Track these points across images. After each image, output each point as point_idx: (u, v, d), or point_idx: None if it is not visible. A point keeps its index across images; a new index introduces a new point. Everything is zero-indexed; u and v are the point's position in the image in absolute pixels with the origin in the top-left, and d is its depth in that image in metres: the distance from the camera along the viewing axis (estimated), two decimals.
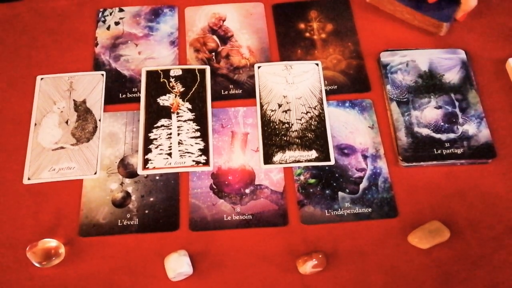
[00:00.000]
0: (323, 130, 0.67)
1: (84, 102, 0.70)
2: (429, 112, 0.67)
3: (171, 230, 0.61)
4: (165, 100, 0.69)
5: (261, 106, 0.69)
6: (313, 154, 0.65)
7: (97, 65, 0.73)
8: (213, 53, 0.74)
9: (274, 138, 0.67)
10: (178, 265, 0.57)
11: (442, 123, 0.66)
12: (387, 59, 0.71)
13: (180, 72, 0.72)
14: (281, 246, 0.60)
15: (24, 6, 0.78)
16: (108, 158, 0.66)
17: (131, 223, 0.62)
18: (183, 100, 0.69)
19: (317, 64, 0.72)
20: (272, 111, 0.69)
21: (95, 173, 0.65)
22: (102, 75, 0.72)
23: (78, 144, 0.66)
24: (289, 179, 0.64)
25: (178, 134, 0.67)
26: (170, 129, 0.67)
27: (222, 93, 0.71)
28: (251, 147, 0.66)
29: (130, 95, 0.70)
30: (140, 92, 0.70)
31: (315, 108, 0.69)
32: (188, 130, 0.67)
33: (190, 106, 0.69)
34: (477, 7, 0.76)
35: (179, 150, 0.66)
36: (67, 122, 0.68)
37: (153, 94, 0.70)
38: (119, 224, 0.62)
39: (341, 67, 0.72)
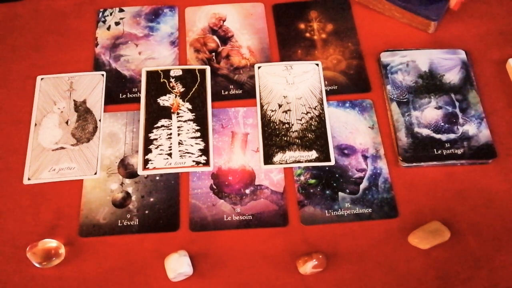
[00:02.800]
0: (323, 130, 0.67)
1: (84, 102, 0.70)
2: (429, 112, 0.67)
3: (171, 230, 0.61)
4: (165, 100, 0.69)
5: (261, 106, 0.69)
6: (313, 154, 0.65)
7: (97, 65, 0.73)
8: (213, 53, 0.74)
9: (274, 139, 0.67)
10: (178, 265, 0.57)
11: (442, 124, 0.66)
12: (387, 59, 0.71)
13: (180, 72, 0.72)
14: (281, 247, 0.60)
15: (24, 6, 0.78)
16: (108, 158, 0.66)
17: (131, 223, 0.62)
18: (183, 100, 0.69)
19: (317, 65, 0.72)
20: (272, 111, 0.69)
21: (95, 173, 0.65)
22: (102, 75, 0.72)
23: (78, 144, 0.66)
24: (289, 179, 0.64)
25: (178, 135, 0.67)
26: (170, 129, 0.67)
27: (222, 93, 0.71)
28: (251, 148, 0.66)
29: (130, 95, 0.70)
30: (140, 92, 0.70)
31: (315, 109, 0.69)
32: (188, 130, 0.67)
33: (190, 106, 0.69)
34: (477, 7, 0.77)
35: (179, 151, 0.66)
36: (67, 122, 0.68)
37: (153, 94, 0.70)
38: (119, 224, 0.62)
39: (341, 67, 0.72)
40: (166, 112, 0.68)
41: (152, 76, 0.71)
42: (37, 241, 0.59)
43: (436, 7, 0.72)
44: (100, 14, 0.78)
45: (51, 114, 0.69)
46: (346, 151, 0.66)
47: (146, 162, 0.65)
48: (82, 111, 0.69)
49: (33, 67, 0.73)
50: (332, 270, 0.58)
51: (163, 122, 0.68)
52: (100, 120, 0.68)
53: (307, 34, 0.75)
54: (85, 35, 0.76)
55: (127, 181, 0.64)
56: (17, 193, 0.64)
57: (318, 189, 0.63)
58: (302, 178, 0.64)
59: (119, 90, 0.71)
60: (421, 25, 0.74)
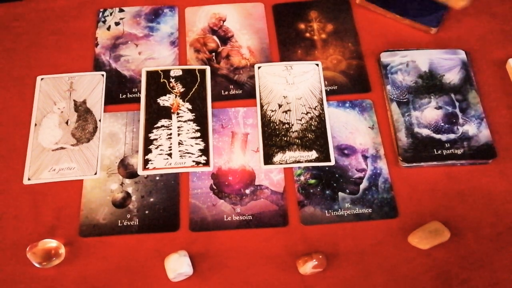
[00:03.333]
0: (323, 130, 0.67)
1: (84, 102, 0.70)
2: (429, 112, 0.67)
3: (171, 230, 0.61)
4: (165, 101, 0.69)
5: (261, 106, 0.69)
6: (313, 154, 0.65)
7: (97, 65, 0.73)
8: (213, 54, 0.74)
9: (274, 139, 0.67)
10: (178, 265, 0.57)
11: (442, 124, 0.66)
12: (387, 60, 0.71)
13: (180, 73, 0.72)
14: (281, 247, 0.60)
15: (24, 6, 0.78)
16: (108, 159, 0.66)
17: (131, 223, 0.62)
18: (183, 101, 0.69)
19: (317, 65, 0.72)
20: (272, 111, 0.69)
21: (95, 174, 0.65)
22: (102, 75, 0.72)
23: (78, 144, 0.66)
24: (289, 179, 0.64)
25: (178, 135, 0.67)
26: (170, 129, 0.67)
27: (222, 94, 0.71)
28: (251, 148, 0.66)
29: (130, 96, 0.70)
30: (140, 93, 0.70)
31: (315, 109, 0.69)
32: (188, 130, 0.67)
33: (190, 107, 0.69)
34: (478, 7, 0.76)
35: (179, 151, 0.66)
36: (67, 123, 0.68)
37: (153, 95, 0.70)
38: (119, 224, 0.62)
39: (341, 67, 0.72)
40: (166, 112, 0.68)
41: (152, 76, 0.71)
42: (37, 241, 0.59)
43: (434, 16, 0.73)
44: (100, 14, 0.78)
45: (51, 114, 0.69)
46: (346, 151, 0.66)
47: (146, 162, 0.65)
48: (82, 111, 0.69)
49: (33, 67, 0.73)
50: (332, 270, 0.58)
51: (163, 122, 0.68)
52: (100, 120, 0.68)
53: (307, 34, 0.75)
54: (85, 35, 0.76)
55: (127, 181, 0.64)
56: (17, 193, 0.64)
57: (318, 189, 0.63)
58: (302, 178, 0.64)
59: (119, 90, 0.71)
60: (423, 27, 0.74)
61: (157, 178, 0.65)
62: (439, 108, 0.67)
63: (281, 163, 0.65)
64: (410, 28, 0.75)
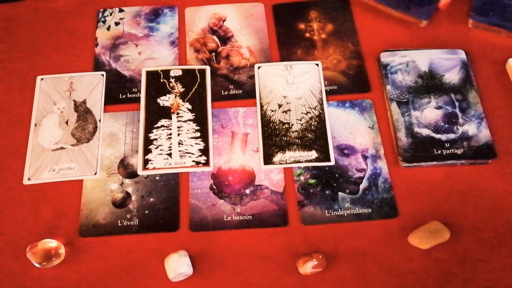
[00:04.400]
0: (323, 130, 0.67)
1: (84, 102, 0.70)
2: (429, 112, 0.67)
3: (171, 230, 0.62)
4: (165, 101, 0.69)
5: (261, 106, 0.69)
6: (313, 154, 0.65)
7: (97, 66, 0.73)
8: (213, 54, 0.74)
9: (274, 139, 0.67)
10: (178, 265, 0.57)
11: (442, 124, 0.66)
12: (387, 59, 0.71)
13: (180, 73, 0.72)
14: (281, 247, 0.60)
15: (24, 6, 0.78)
16: (108, 159, 0.66)
17: (131, 223, 0.62)
18: (183, 101, 0.69)
19: (317, 65, 0.72)
20: (272, 111, 0.69)
21: (95, 174, 0.65)
22: (102, 75, 0.72)
23: (78, 144, 0.66)
24: (289, 179, 0.64)
25: (178, 135, 0.67)
26: (170, 129, 0.67)
27: (222, 94, 0.71)
28: (251, 148, 0.66)
29: (130, 96, 0.70)
30: (140, 93, 0.70)
31: (315, 109, 0.69)
32: (188, 130, 0.67)
33: (190, 107, 0.69)
34: None
35: (179, 151, 0.66)
36: (67, 123, 0.68)
37: (153, 95, 0.70)
38: (119, 224, 0.62)
39: (341, 67, 0.72)
40: (166, 112, 0.68)
41: (152, 76, 0.71)
42: (37, 241, 0.59)
43: (426, 9, 0.74)
44: (100, 14, 0.78)
45: (51, 114, 0.69)
46: (346, 151, 0.66)
47: (146, 162, 0.65)
48: (82, 111, 0.69)
49: (33, 67, 0.73)
50: (332, 270, 0.58)
51: (163, 122, 0.68)
52: (100, 120, 0.68)
53: (307, 34, 0.75)
54: (85, 35, 0.76)
55: (127, 181, 0.64)
56: (17, 193, 0.64)
57: (318, 189, 0.63)
58: (302, 178, 0.64)
59: (119, 90, 0.71)
60: (413, 20, 0.75)
61: (157, 178, 0.65)
62: (439, 108, 0.67)
63: (281, 163, 0.65)
64: (410, 28, 0.75)
